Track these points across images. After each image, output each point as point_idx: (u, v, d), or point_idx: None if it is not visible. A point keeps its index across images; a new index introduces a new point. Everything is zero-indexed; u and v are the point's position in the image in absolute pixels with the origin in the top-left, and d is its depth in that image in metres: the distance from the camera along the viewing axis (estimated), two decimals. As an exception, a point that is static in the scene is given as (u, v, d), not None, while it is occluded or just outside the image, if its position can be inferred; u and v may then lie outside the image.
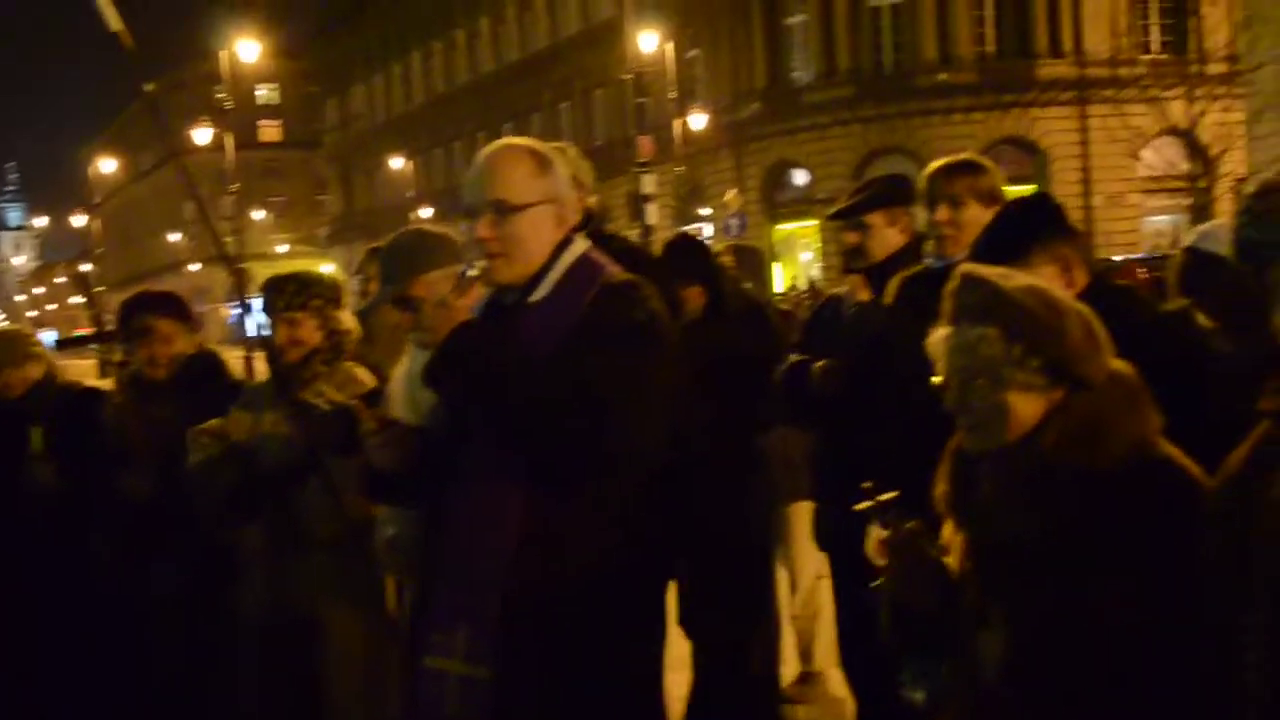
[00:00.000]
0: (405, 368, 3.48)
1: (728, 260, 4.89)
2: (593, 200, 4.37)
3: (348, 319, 4.15)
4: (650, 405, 2.65)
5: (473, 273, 2.69)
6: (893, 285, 3.80)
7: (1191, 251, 3.42)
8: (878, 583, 2.41)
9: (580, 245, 2.83)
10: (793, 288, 36.47)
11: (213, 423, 4.06)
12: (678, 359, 2.80)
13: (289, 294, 4.01)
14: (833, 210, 4.33)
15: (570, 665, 2.61)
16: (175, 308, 4.52)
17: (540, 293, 2.74)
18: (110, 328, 4.64)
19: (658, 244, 5.09)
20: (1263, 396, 1.90)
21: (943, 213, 3.64)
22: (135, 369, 4.47)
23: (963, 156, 3.81)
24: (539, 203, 2.73)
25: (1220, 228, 3.16)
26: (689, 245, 4.93)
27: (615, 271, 2.80)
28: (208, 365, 4.54)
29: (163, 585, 4.23)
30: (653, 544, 2.78)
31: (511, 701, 2.61)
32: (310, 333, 4.01)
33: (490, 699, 2.62)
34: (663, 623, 2.97)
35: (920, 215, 3.80)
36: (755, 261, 5.78)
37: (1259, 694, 1.83)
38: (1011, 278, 2.27)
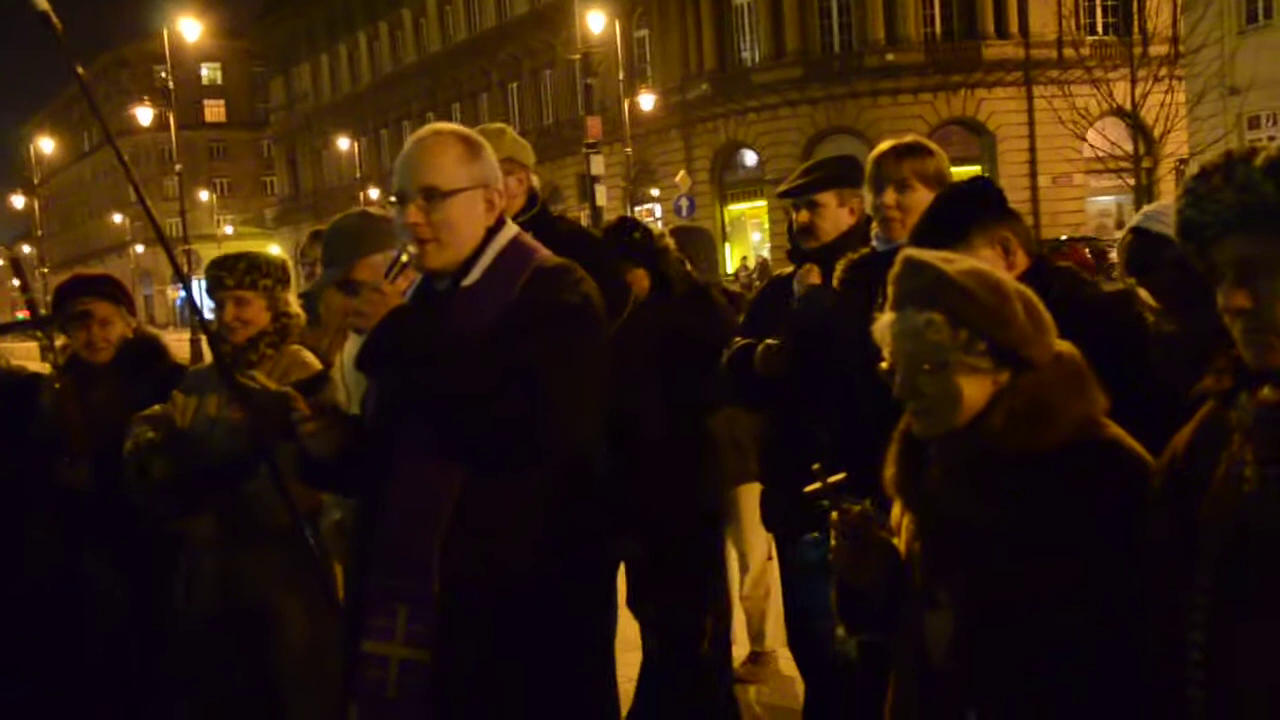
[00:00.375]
0: (349, 352, 3.44)
1: (669, 243, 4.87)
2: (535, 181, 4.34)
3: (295, 302, 4.09)
4: (584, 387, 2.64)
5: (405, 258, 2.67)
6: (838, 268, 3.79)
7: (1137, 231, 3.44)
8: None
9: (511, 229, 2.82)
10: (742, 267, 36.60)
11: (155, 408, 3.99)
12: (617, 341, 2.79)
13: (239, 273, 3.96)
14: (783, 188, 4.32)
15: (513, 648, 2.60)
16: (111, 290, 4.44)
17: (472, 277, 2.73)
18: (46, 312, 4.55)
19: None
20: (1206, 376, 1.91)
21: (889, 196, 3.64)
22: (73, 353, 4.39)
23: (909, 139, 3.79)
24: (469, 188, 2.72)
25: (1166, 208, 3.17)
26: (629, 228, 4.91)
27: (547, 255, 2.80)
28: (147, 348, 4.47)
29: (100, 575, 4.17)
30: (592, 525, 2.77)
31: (453, 684, 2.59)
32: (258, 313, 3.96)
33: (431, 682, 2.60)
34: (610, 604, 2.96)
35: (867, 198, 3.79)
36: (701, 243, 5.76)
37: (1202, 673, 1.84)
38: (954, 261, 2.27)
